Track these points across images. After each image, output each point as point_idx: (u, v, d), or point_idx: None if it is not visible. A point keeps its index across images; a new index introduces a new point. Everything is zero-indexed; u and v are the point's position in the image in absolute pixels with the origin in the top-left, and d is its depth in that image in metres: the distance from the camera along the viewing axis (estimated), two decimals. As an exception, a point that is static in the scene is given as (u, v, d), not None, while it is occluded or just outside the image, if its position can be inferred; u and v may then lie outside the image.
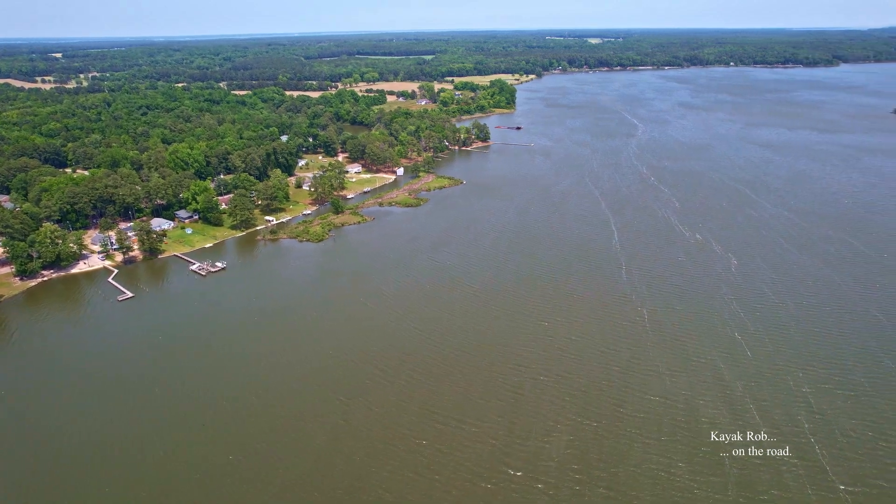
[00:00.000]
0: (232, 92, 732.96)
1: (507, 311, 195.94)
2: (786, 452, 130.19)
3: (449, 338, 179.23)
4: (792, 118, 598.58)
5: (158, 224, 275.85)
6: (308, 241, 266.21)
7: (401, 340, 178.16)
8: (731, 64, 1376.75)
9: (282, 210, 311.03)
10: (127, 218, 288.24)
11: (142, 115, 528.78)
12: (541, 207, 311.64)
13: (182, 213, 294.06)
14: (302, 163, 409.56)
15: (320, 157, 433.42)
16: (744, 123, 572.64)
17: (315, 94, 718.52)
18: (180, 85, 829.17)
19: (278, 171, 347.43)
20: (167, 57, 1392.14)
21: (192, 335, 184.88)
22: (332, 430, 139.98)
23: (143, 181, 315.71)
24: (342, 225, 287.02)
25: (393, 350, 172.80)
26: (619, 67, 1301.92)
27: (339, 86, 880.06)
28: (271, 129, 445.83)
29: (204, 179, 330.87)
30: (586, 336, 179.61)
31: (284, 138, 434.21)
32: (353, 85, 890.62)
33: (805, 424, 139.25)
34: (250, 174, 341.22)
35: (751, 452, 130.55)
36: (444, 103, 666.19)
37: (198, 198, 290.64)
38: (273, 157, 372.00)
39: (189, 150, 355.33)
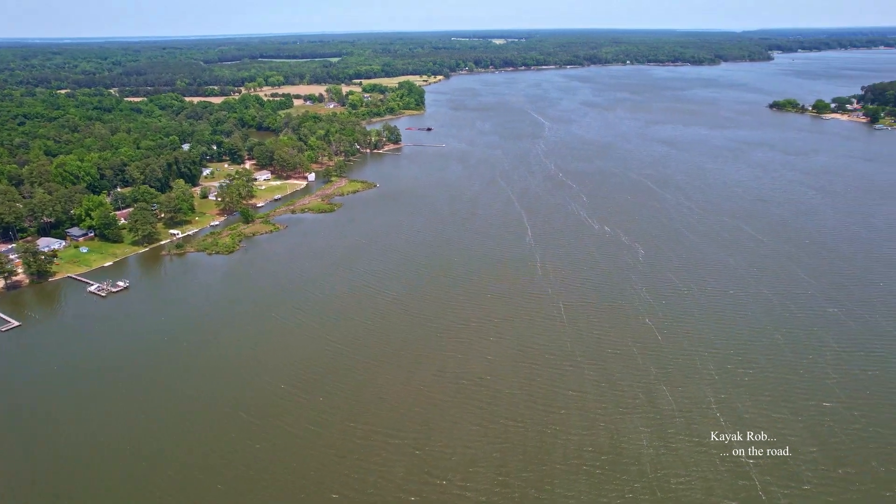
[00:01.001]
0: (125, 99, 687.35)
1: (426, 315, 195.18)
2: (694, 430, 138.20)
3: (367, 348, 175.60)
4: (686, 115, 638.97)
5: (47, 244, 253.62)
6: (217, 253, 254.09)
7: (318, 355, 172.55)
8: (628, 62, 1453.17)
9: (188, 222, 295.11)
10: (7, 239, 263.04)
11: (19, 124, 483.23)
12: (455, 207, 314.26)
13: (75, 231, 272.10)
14: (207, 172, 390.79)
15: (226, 166, 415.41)
16: (644, 121, 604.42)
17: (217, 100, 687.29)
18: (63, 91, 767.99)
19: (181, 181, 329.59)
20: (45, 60, 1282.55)
21: (92, 363, 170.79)
22: (249, 455, 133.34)
23: (24, 198, 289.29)
24: (253, 235, 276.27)
25: (310, 366, 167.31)
26: (523, 67, 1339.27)
27: (243, 90, 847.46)
28: (171, 137, 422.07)
29: (98, 194, 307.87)
30: (506, 335, 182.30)
31: (186, 147, 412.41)
32: (258, 89, 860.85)
33: (711, 401, 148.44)
34: (151, 186, 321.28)
35: (666, 437, 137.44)
36: (354, 106, 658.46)
37: (92, 213, 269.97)
38: (175, 166, 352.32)
39: (79, 162, 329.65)
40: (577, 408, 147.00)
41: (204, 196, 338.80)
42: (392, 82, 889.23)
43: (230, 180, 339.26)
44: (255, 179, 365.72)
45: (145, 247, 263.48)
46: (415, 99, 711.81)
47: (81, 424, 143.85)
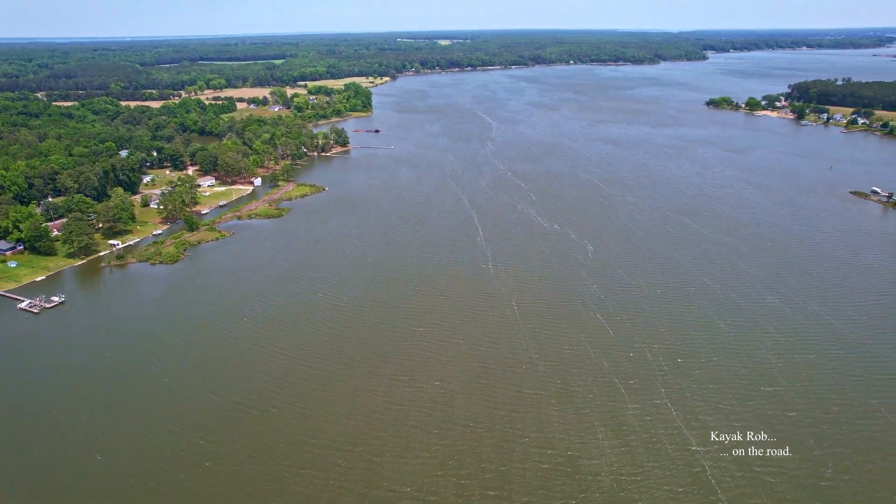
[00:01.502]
0: (53, 103, 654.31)
1: (378, 321, 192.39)
2: (648, 424, 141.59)
3: (319, 357, 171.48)
4: (630, 114, 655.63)
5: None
6: (161, 263, 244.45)
7: (269, 367, 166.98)
8: (571, 62, 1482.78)
9: (128, 232, 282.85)
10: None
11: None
12: (406, 209, 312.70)
13: (1, 245, 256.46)
14: (147, 179, 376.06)
15: (168, 172, 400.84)
16: (590, 121, 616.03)
17: (156, 104, 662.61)
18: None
19: (120, 189, 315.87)
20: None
21: (23, 389, 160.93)
22: (199, 474, 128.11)
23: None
24: (198, 243, 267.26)
25: (261, 378, 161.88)
26: (469, 68, 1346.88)
27: (183, 94, 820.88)
28: (107, 143, 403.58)
29: (27, 204, 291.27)
30: (460, 338, 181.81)
31: (124, 153, 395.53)
32: (199, 93, 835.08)
33: (663, 392, 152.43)
34: (86, 195, 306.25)
35: (621, 432, 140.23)
36: (299, 109, 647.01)
37: (21, 225, 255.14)
38: (112, 174, 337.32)
39: (3, 171, 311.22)
40: (534, 408, 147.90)
41: (145, 204, 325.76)
42: (338, 84, 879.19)
43: (172, 187, 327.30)
44: (199, 186, 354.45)
45: (82, 259, 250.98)
46: (361, 101, 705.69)
47: (12, 450, 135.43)
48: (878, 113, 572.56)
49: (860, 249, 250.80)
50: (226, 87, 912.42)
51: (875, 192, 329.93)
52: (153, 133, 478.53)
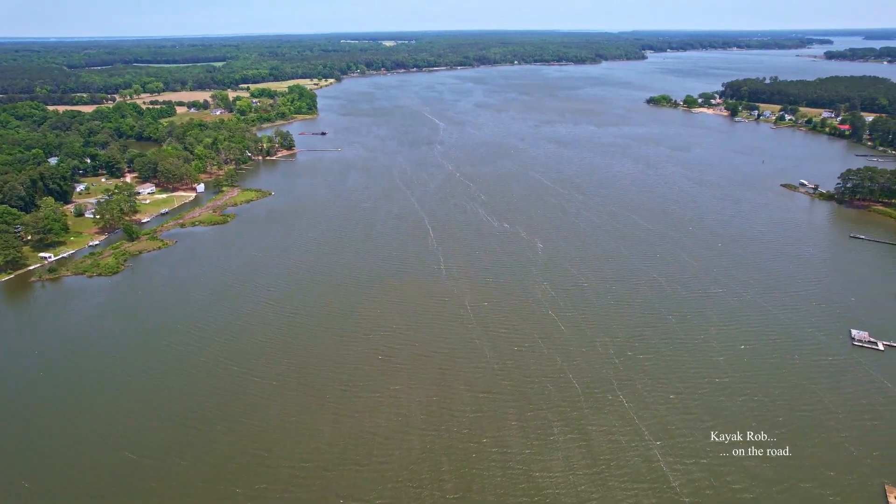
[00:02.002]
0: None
1: (330, 329, 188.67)
2: (600, 414, 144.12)
3: (268, 371, 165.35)
4: (576, 114, 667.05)
5: None
6: (100, 275, 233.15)
7: (217, 383, 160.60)
8: (516, 62, 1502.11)
9: (61, 244, 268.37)
10: None
11: None
12: (355, 213, 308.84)
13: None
14: (81, 187, 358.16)
15: (103, 180, 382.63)
16: (537, 121, 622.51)
17: (88, 109, 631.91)
18: None
19: (50, 199, 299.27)
20: None
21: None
22: (146, 497, 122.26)
23: None
24: (139, 253, 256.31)
25: (208, 395, 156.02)
26: (415, 69, 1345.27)
27: (118, 98, 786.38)
28: (34, 150, 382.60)
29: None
30: (414, 341, 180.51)
31: (53, 161, 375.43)
32: (135, 97, 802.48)
33: (615, 385, 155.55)
34: (11, 206, 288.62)
35: (577, 427, 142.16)
36: (242, 112, 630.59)
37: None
38: (41, 183, 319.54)
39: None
40: (490, 409, 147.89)
41: (79, 214, 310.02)
42: (282, 86, 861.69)
43: (109, 195, 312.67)
44: (139, 193, 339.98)
45: (9, 274, 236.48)
46: (306, 103, 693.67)
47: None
48: (803, 110, 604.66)
49: (793, 239, 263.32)
50: (164, 90, 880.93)
51: (802, 185, 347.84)
52: (86, 139, 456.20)
